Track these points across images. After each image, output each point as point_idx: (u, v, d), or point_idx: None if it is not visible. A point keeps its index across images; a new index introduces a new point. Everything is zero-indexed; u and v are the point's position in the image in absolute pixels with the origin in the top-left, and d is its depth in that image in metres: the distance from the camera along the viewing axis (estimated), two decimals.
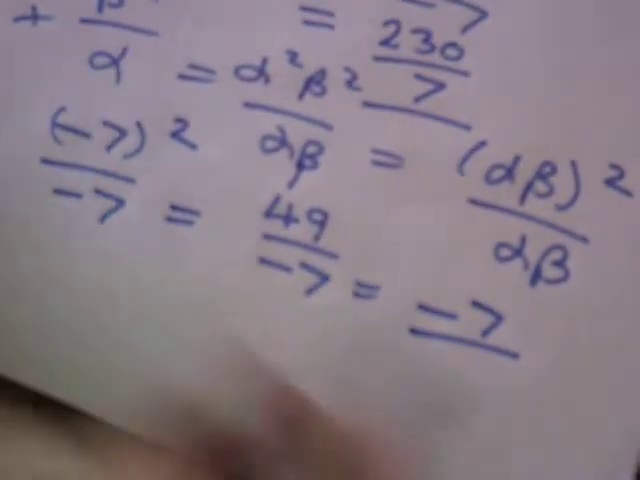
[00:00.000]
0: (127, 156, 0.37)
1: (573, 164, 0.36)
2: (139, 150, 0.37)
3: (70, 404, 0.34)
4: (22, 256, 0.35)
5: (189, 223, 0.36)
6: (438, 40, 0.38)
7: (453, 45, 0.38)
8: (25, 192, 0.37)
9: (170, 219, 0.36)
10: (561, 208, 0.35)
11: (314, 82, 0.38)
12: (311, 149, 0.37)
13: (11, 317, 0.35)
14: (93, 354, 0.34)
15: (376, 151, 0.36)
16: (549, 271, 0.34)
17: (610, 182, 0.35)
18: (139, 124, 0.37)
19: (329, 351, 0.34)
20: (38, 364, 0.34)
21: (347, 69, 0.38)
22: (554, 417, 0.32)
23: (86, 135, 0.37)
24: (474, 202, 0.35)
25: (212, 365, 0.33)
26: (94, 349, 0.34)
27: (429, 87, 0.37)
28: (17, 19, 0.39)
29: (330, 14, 0.39)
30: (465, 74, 0.38)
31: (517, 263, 0.34)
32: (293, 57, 0.38)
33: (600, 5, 0.38)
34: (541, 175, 0.36)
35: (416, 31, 0.39)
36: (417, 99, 0.37)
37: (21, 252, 0.36)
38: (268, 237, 0.35)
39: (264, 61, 0.38)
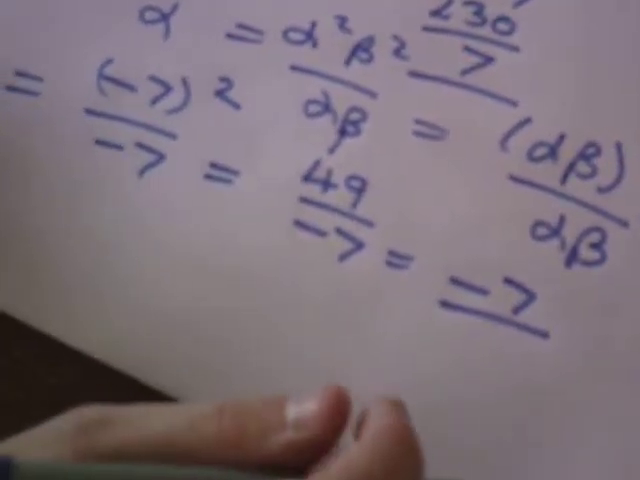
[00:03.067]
0: (170, 111, 0.37)
1: (618, 146, 0.35)
2: (183, 106, 0.37)
3: None
4: (57, 203, 0.36)
5: (227, 182, 0.36)
6: (490, 13, 0.38)
7: (505, 19, 0.38)
8: (68, 140, 0.37)
9: (209, 176, 0.36)
10: (602, 190, 0.35)
11: (361, 49, 0.37)
12: (354, 116, 0.36)
13: (39, 260, 0.35)
14: (112, 304, 0.34)
15: (419, 121, 0.36)
16: (585, 253, 0.34)
17: None
18: (184, 80, 0.37)
19: (356, 316, 0.34)
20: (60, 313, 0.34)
21: (395, 37, 0.38)
22: (579, 404, 0.32)
23: (131, 88, 0.37)
24: (514, 179, 0.35)
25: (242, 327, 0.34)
26: (114, 300, 0.34)
27: (477, 60, 0.37)
28: None
29: None
30: (515, 49, 0.37)
31: (554, 243, 0.34)
32: (342, 22, 0.38)
33: None
34: (584, 156, 0.35)
35: (468, 3, 0.38)
36: (464, 72, 0.37)
37: (59, 198, 0.36)
38: (305, 201, 0.35)
39: (313, 25, 0.38)
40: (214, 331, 0.34)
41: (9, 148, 0.37)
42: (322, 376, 0.33)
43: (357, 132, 0.36)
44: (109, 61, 0.38)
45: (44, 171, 0.36)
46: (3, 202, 0.36)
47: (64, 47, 0.38)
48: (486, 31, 0.38)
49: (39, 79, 0.38)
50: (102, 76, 0.38)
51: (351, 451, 0.23)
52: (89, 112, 0.37)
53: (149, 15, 0.39)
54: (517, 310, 0.33)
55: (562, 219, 0.34)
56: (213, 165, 0.36)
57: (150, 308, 0.34)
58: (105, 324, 0.34)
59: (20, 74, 0.38)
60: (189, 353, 0.34)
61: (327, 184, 0.35)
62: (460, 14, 0.38)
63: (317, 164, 0.36)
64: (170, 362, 0.34)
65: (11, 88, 0.38)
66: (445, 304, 0.34)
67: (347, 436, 0.25)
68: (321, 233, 0.35)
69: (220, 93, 0.37)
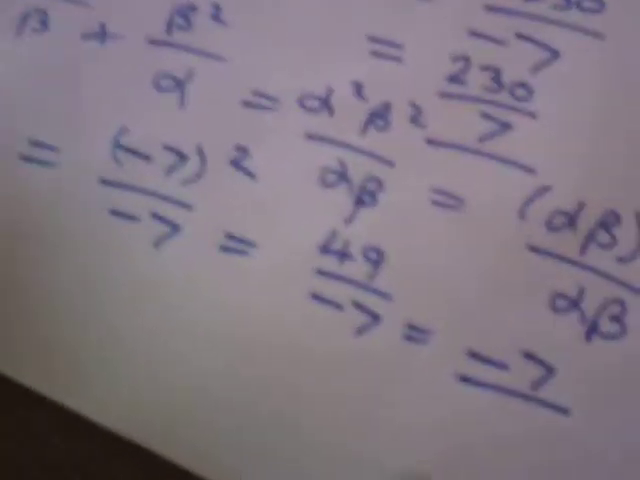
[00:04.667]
0: (186, 182, 0.37)
1: (637, 215, 0.35)
2: (198, 176, 0.37)
3: None
4: (72, 275, 0.35)
5: (244, 253, 0.35)
6: (507, 79, 0.38)
7: (523, 85, 0.37)
8: (82, 211, 0.37)
9: (225, 248, 0.36)
10: (622, 260, 0.34)
11: (378, 116, 0.37)
12: (371, 185, 0.36)
13: (50, 332, 0.35)
14: (127, 376, 0.34)
15: (437, 191, 0.36)
16: (606, 326, 0.33)
17: None
18: (200, 150, 0.37)
19: (372, 390, 0.33)
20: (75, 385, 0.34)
21: (412, 104, 0.37)
22: None
23: (147, 158, 0.37)
24: (533, 249, 0.35)
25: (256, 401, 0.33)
26: (128, 373, 0.34)
27: (495, 127, 0.37)
28: (85, 36, 0.39)
29: (399, 46, 0.38)
30: (532, 116, 0.37)
31: (574, 315, 0.34)
32: (358, 89, 0.38)
33: None
34: (604, 225, 0.35)
35: (485, 68, 0.38)
36: (482, 139, 0.37)
37: (71, 271, 0.36)
38: (322, 273, 0.35)
39: (329, 91, 0.38)
40: (228, 402, 0.34)
41: (24, 220, 0.36)
42: (337, 453, 0.33)
43: (374, 202, 0.36)
44: (124, 130, 0.38)
45: (60, 244, 0.36)
46: (20, 277, 0.36)
47: (79, 116, 0.38)
48: (503, 97, 0.37)
49: (54, 149, 0.38)
50: (117, 145, 0.37)
51: None
52: (104, 182, 0.37)
53: (164, 83, 0.38)
54: (536, 385, 0.33)
55: (582, 291, 0.34)
56: (229, 236, 0.36)
57: (164, 380, 0.34)
58: (119, 396, 0.34)
59: (35, 144, 0.38)
60: (204, 423, 0.33)
61: (344, 255, 0.35)
62: (477, 79, 0.38)
63: (334, 235, 0.35)
64: (186, 434, 0.33)
65: (26, 158, 0.37)
66: (464, 379, 0.33)
67: None
68: (338, 306, 0.35)
69: (236, 162, 0.37)
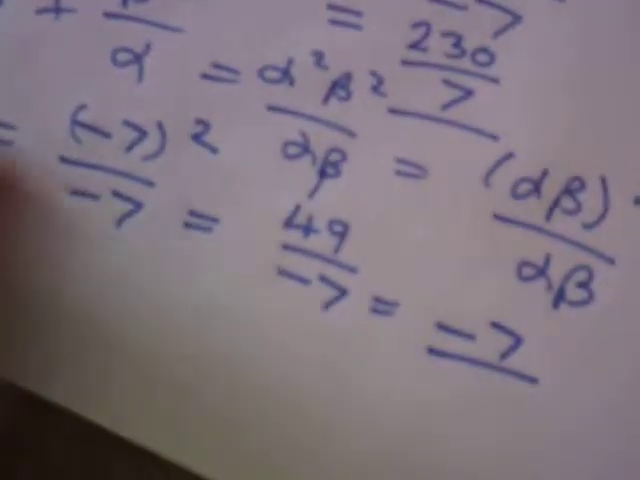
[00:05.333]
0: (147, 158, 0.36)
1: (603, 180, 0.35)
2: (159, 152, 0.36)
3: None
4: (35, 257, 0.35)
5: (207, 230, 0.35)
6: (469, 45, 0.37)
7: (484, 50, 0.37)
8: (42, 191, 0.36)
9: (188, 225, 0.35)
10: (588, 226, 0.34)
11: (339, 86, 0.37)
12: (334, 157, 0.36)
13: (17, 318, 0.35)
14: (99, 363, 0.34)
15: (400, 160, 0.36)
16: (573, 293, 0.33)
17: None
18: (160, 125, 0.37)
19: (341, 364, 0.33)
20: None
21: (373, 73, 0.37)
22: (569, 452, 0.32)
23: (106, 135, 0.37)
24: (499, 217, 0.35)
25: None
26: (100, 360, 0.34)
27: (457, 94, 0.36)
28: (40, 11, 0.39)
29: (358, 14, 0.38)
30: (495, 81, 0.37)
31: (540, 283, 0.34)
32: (319, 58, 0.37)
33: (633, 18, 0.37)
34: (569, 191, 0.35)
35: (446, 34, 0.37)
36: (444, 106, 0.36)
37: (32, 254, 0.35)
38: (287, 247, 0.35)
39: (289, 62, 0.37)
40: (187, 379, 0.34)
41: None
42: (309, 424, 0.33)
43: (337, 173, 0.36)
44: (82, 106, 0.37)
45: (19, 226, 0.36)
46: None
47: (35, 93, 0.37)
48: (465, 63, 0.37)
49: (11, 127, 0.37)
50: (76, 122, 0.37)
51: None
52: (64, 160, 0.36)
53: (121, 57, 0.38)
54: (504, 355, 0.33)
55: (548, 258, 0.34)
56: (192, 213, 0.35)
57: (130, 364, 0.34)
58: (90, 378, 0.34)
59: None
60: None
61: (308, 229, 0.35)
62: (438, 46, 0.37)
63: (297, 208, 0.35)
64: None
65: None
66: (432, 351, 0.33)
67: None
68: (304, 280, 0.34)
69: (197, 137, 0.36)
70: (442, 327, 0.33)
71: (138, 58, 0.38)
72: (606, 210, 0.35)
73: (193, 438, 0.33)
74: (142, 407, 0.34)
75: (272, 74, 0.37)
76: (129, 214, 0.35)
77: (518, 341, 0.33)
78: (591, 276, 0.34)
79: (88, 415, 0.34)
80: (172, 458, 0.33)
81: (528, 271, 0.34)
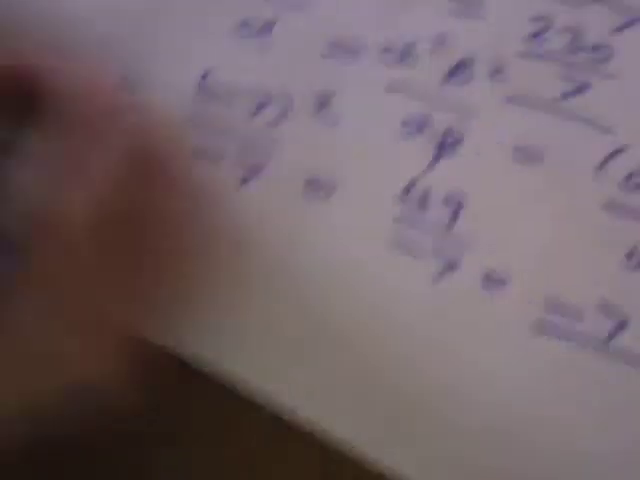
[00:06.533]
0: (270, 124, 0.37)
1: None
2: (282, 120, 0.37)
3: None
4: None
5: (325, 198, 0.36)
6: (587, 40, 0.38)
7: (602, 46, 0.38)
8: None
9: (307, 191, 0.36)
10: None
11: (459, 70, 0.38)
12: (451, 137, 0.37)
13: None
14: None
15: (516, 146, 0.36)
16: None
17: None
18: (285, 94, 0.38)
19: (450, 337, 0.34)
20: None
21: (493, 60, 0.38)
22: None
23: (232, 100, 0.38)
24: (609, 206, 0.35)
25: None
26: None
27: (574, 87, 0.37)
28: None
29: (480, 4, 0.39)
30: (611, 77, 0.37)
31: None
32: (440, 43, 0.38)
33: None
34: None
35: (565, 29, 0.38)
36: (561, 98, 0.37)
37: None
38: (402, 220, 0.36)
39: (411, 44, 0.38)
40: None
41: None
42: (414, 398, 0.34)
43: (453, 153, 0.37)
44: (208, 72, 0.38)
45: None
46: None
47: (163, 57, 0.39)
48: (583, 58, 0.38)
49: (142, 85, 0.38)
50: (202, 86, 0.38)
51: None
52: (189, 122, 0.38)
53: (248, 28, 0.39)
54: (611, 336, 0.34)
55: None
56: (311, 180, 0.36)
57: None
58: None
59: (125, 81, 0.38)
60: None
61: (423, 204, 0.36)
62: (557, 40, 0.38)
63: (414, 183, 0.36)
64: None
65: None
66: (540, 327, 0.34)
67: None
68: (417, 253, 0.35)
69: (318, 109, 0.38)
70: (551, 305, 0.34)
71: (265, 30, 0.39)
72: None
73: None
74: None
75: (393, 55, 0.38)
76: (250, 177, 0.37)
77: (625, 323, 0.34)
78: None
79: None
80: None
81: (637, 258, 0.35)
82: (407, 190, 0.36)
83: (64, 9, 0.40)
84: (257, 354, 0.35)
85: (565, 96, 0.37)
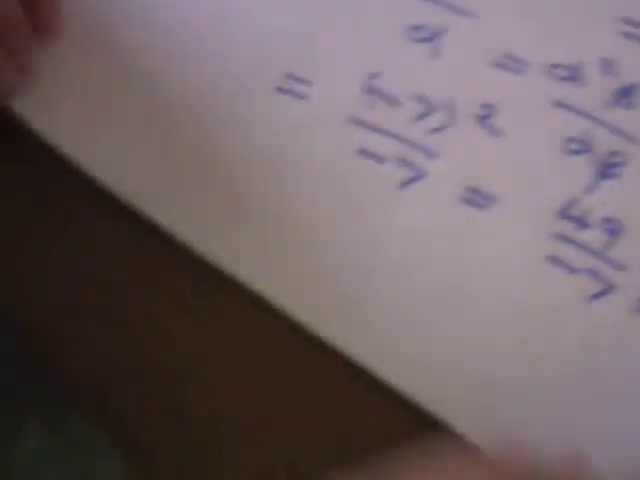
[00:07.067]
0: (433, 131, 0.38)
1: None
2: (445, 127, 0.38)
3: None
4: (304, 206, 0.37)
5: (483, 207, 0.36)
6: None
7: None
8: (329, 146, 0.38)
9: (465, 200, 0.37)
10: None
11: (625, 94, 0.38)
12: (614, 159, 0.37)
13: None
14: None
15: None
16: None
17: None
18: (449, 103, 0.38)
19: (598, 359, 0.34)
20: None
21: None
22: None
23: (396, 103, 0.38)
24: None
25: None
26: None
27: None
28: None
29: None
30: None
31: None
32: (608, 66, 0.38)
33: None
34: None
35: None
36: None
37: (305, 203, 0.37)
38: (559, 237, 0.36)
39: (579, 64, 0.39)
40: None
41: (273, 148, 0.38)
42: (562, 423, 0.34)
43: (616, 176, 0.37)
44: (376, 74, 0.39)
45: (304, 173, 0.37)
46: (266, 201, 0.37)
47: (334, 55, 0.39)
48: None
49: (309, 83, 0.39)
50: (368, 87, 0.39)
51: None
52: (353, 120, 0.38)
53: (417, 34, 0.40)
54: None
55: None
56: (471, 189, 0.37)
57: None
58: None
59: (291, 77, 0.39)
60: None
61: (582, 223, 0.36)
62: None
63: (574, 202, 0.36)
64: None
65: (281, 90, 0.39)
66: None
67: None
68: (572, 271, 0.35)
69: (482, 119, 0.38)
70: None
71: (434, 37, 0.39)
72: None
73: None
74: None
75: (561, 72, 0.39)
76: (412, 181, 0.37)
77: None
78: None
79: None
80: None
81: None
82: (567, 208, 0.36)
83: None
84: None
85: None
